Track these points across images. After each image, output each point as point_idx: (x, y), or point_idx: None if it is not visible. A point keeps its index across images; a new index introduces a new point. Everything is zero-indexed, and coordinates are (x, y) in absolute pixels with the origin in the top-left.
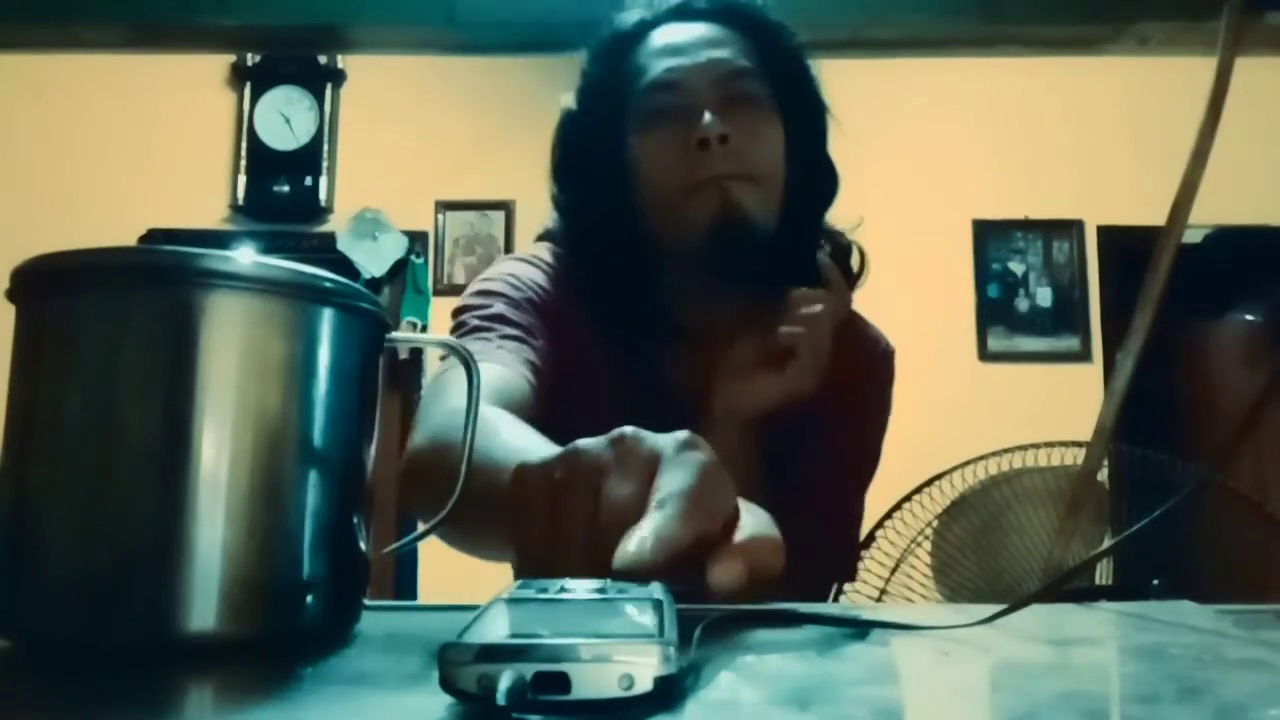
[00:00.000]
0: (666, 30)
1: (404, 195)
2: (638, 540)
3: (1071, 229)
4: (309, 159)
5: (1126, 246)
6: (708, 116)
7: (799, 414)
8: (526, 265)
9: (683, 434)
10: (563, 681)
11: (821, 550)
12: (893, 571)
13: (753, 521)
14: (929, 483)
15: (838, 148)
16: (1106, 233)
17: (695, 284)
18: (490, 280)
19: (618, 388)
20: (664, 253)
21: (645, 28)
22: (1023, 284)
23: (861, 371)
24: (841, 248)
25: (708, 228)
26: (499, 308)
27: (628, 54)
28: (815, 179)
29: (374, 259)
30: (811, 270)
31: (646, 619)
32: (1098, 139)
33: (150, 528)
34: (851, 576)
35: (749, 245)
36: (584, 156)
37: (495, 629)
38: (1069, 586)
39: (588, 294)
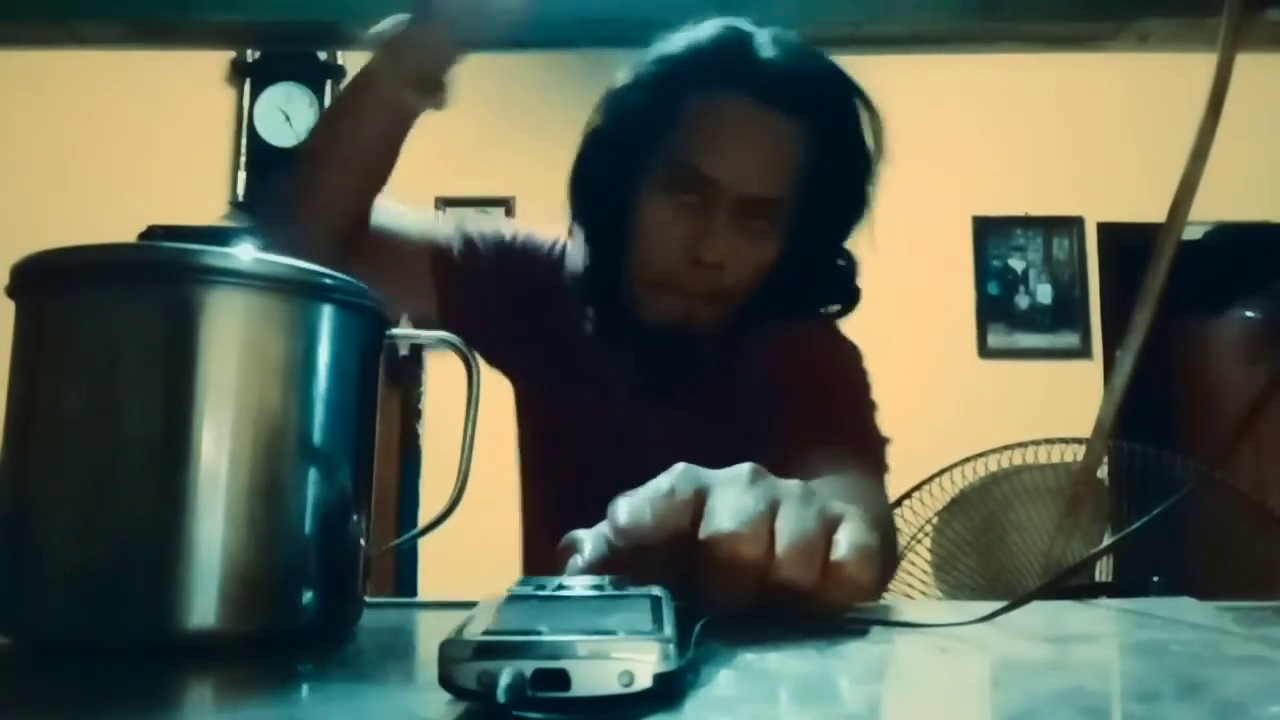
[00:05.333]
0: (734, 107)
1: (404, 192)
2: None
3: (1071, 226)
4: None
5: (1126, 243)
6: (714, 240)
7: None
8: (540, 235)
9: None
10: (562, 678)
11: None
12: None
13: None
14: (929, 480)
15: None
16: (1106, 229)
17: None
18: (498, 224)
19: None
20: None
21: (714, 78)
22: (1023, 281)
23: (804, 371)
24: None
25: (659, 325)
26: (471, 230)
27: (687, 93)
28: (827, 262)
29: None
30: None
31: (646, 616)
32: (1098, 136)
33: (150, 524)
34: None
35: (687, 351)
36: (604, 177)
37: (495, 626)
38: (1069, 583)
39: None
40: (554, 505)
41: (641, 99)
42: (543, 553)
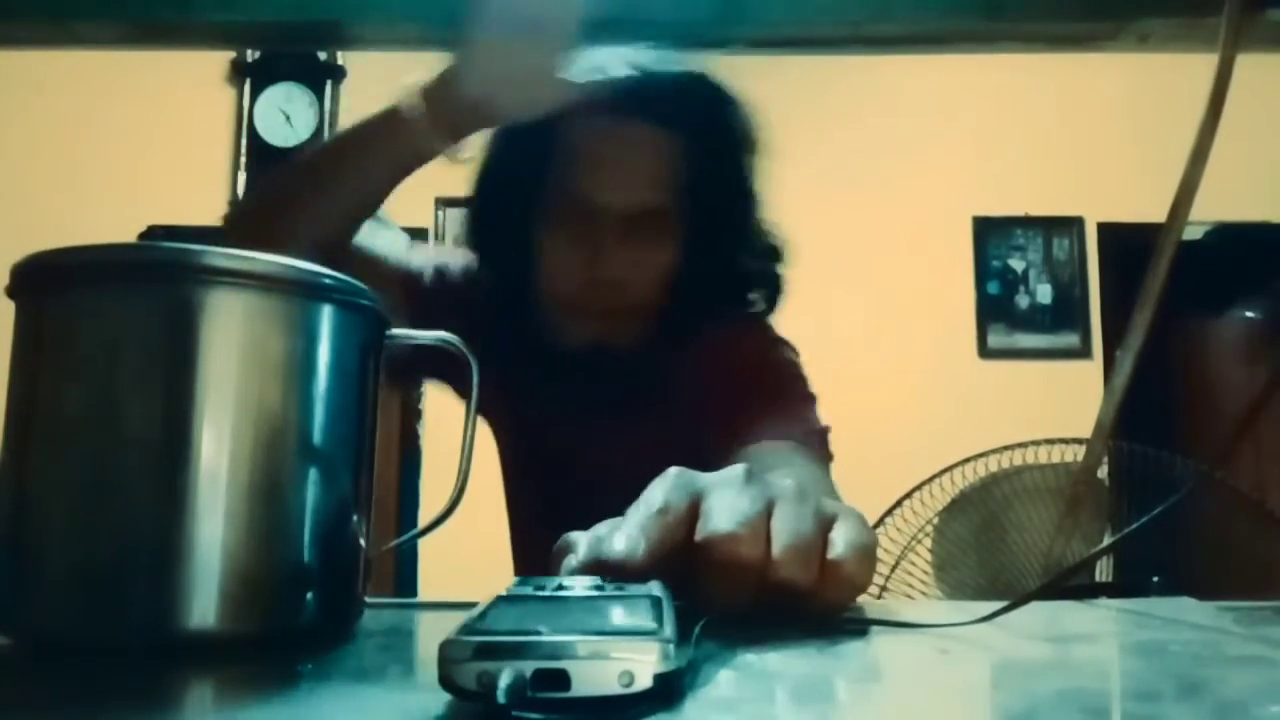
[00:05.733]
0: (603, 128)
1: (403, 191)
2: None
3: (1072, 226)
4: None
5: (1127, 243)
6: (607, 259)
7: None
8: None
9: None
10: (562, 679)
11: None
12: (893, 569)
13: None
14: (929, 480)
15: (838, 145)
16: (1107, 229)
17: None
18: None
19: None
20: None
21: (583, 105)
22: (1023, 281)
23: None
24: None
25: (576, 346)
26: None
27: (559, 123)
28: (733, 256)
29: None
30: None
31: (646, 616)
32: (1098, 136)
33: (150, 524)
34: None
35: (608, 370)
36: (498, 217)
37: (495, 626)
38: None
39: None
40: (537, 512)
41: (519, 137)
42: (530, 555)
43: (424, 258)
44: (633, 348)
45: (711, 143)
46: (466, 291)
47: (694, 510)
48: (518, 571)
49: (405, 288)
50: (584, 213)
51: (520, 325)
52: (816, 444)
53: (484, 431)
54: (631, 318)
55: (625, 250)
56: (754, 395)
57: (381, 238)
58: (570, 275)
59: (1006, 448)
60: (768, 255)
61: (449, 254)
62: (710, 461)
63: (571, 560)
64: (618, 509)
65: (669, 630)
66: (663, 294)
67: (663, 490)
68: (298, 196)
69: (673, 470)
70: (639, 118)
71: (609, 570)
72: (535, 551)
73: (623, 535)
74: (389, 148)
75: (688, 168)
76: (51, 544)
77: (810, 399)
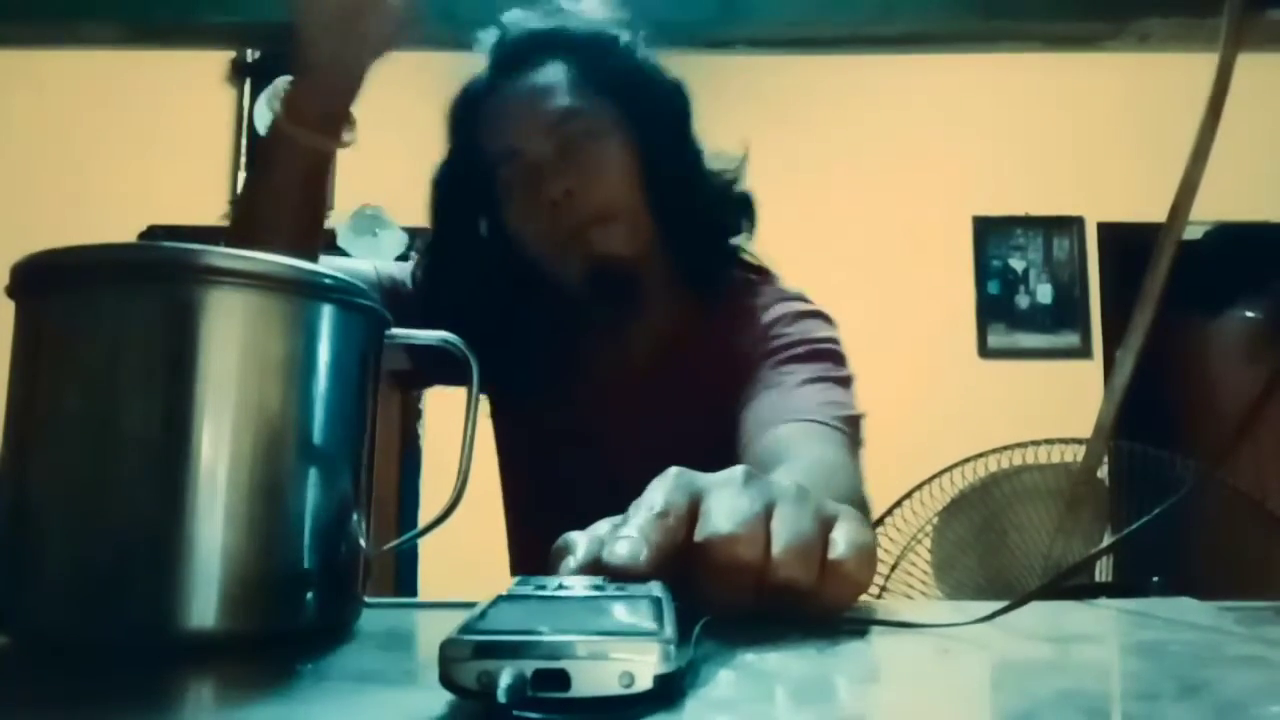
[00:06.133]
0: (500, 92)
1: (403, 192)
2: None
3: (1072, 225)
4: None
5: (1127, 243)
6: (547, 177)
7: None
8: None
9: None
10: (562, 679)
11: None
12: (893, 569)
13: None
14: (929, 480)
15: (838, 145)
16: (1107, 229)
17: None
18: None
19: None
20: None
21: (482, 93)
22: (1023, 281)
23: (759, 329)
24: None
25: (582, 279)
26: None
27: (476, 122)
28: (689, 160)
29: (374, 255)
30: (726, 243)
31: (646, 616)
32: (1098, 135)
33: (150, 524)
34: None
35: (625, 281)
36: (463, 226)
37: (495, 626)
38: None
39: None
40: (535, 509)
41: (456, 144)
42: (526, 554)
43: (403, 269)
44: (643, 268)
45: (599, 53)
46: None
47: (694, 511)
48: (513, 568)
49: (387, 295)
50: (516, 161)
51: (526, 292)
52: (848, 429)
53: (484, 432)
54: (610, 221)
55: (561, 164)
56: (785, 362)
57: (358, 262)
58: (531, 216)
59: (1006, 448)
60: (725, 176)
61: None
62: (733, 447)
63: (570, 562)
64: (636, 492)
65: (669, 631)
66: (633, 197)
67: (663, 491)
68: (247, 218)
69: (672, 470)
70: (522, 66)
71: (611, 574)
72: (535, 549)
73: (625, 540)
74: (285, 162)
75: (588, 78)
76: (51, 544)
77: (847, 380)
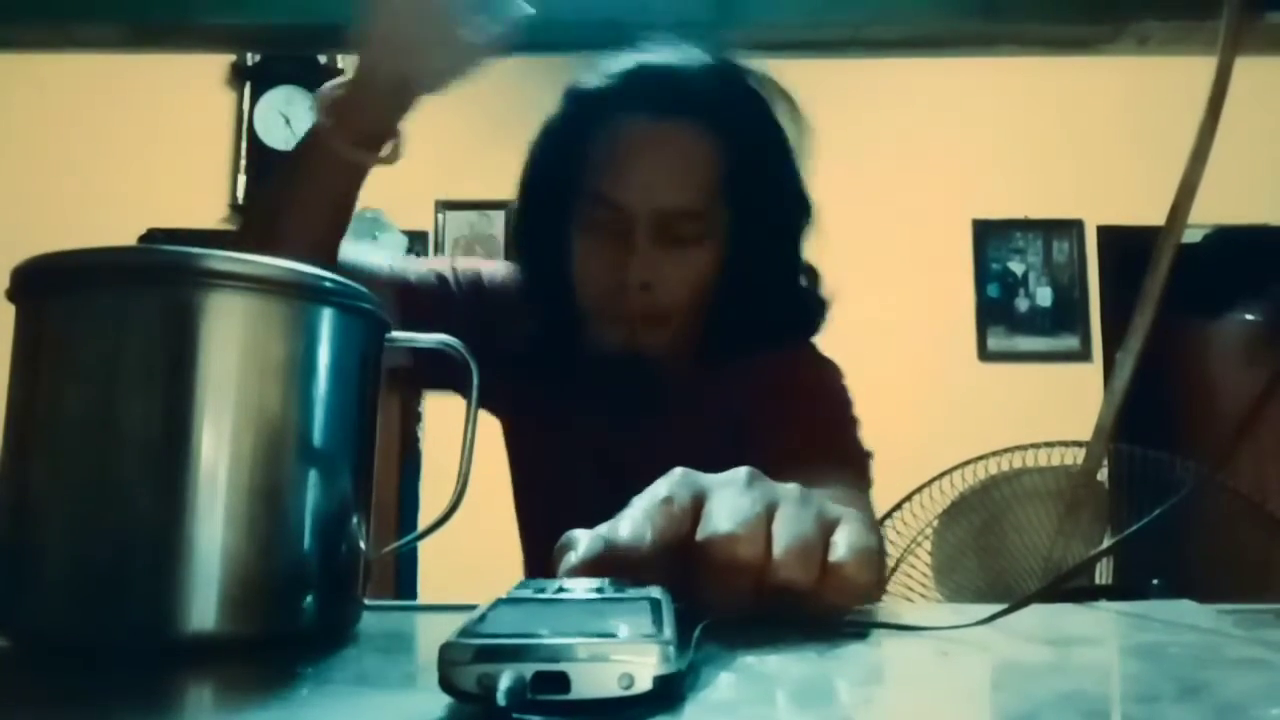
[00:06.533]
0: (633, 127)
1: (404, 195)
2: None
3: (1071, 229)
4: None
5: (1126, 246)
6: (636, 254)
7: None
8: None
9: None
10: (562, 681)
11: None
12: (893, 571)
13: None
14: (929, 483)
15: (837, 148)
16: (1106, 232)
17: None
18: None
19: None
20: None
21: (615, 105)
22: (1022, 284)
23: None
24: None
25: (612, 352)
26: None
27: (591, 125)
28: (780, 278)
29: None
30: (791, 309)
31: (646, 619)
32: (1097, 138)
33: (150, 527)
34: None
35: (643, 376)
36: (540, 217)
37: (495, 629)
38: (1069, 586)
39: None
40: (544, 520)
41: (554, 141)
42: (539, 559)
43: (425, 268)
44: (668, 357)
45: (755, 142)
46: (475, 299)
47: (698, 507)
48: (528, 573)
49: (399, 296)
50: (614, 215)
51: (556, 329)
52: (860, 468)
53: (484, 434)
54: (666, 324)
55: (657, 253)
56: (806, 419)
57: (380, 257)
58: (600, 280)
59: (1006, 450)
60: (813, 277)
61: (456, 261)
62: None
63: (572, 557)
64: None
65: (669, 633)
66: (701, 302)
67: (667, 485)
68: (268, 230)
69: (678, 470)
70: (672, 114)
71: (615, 556)
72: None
73: (629, 521)
74: (322, 169)
75: (725, 168)
76: (51, 546)
77: (854, 423)
